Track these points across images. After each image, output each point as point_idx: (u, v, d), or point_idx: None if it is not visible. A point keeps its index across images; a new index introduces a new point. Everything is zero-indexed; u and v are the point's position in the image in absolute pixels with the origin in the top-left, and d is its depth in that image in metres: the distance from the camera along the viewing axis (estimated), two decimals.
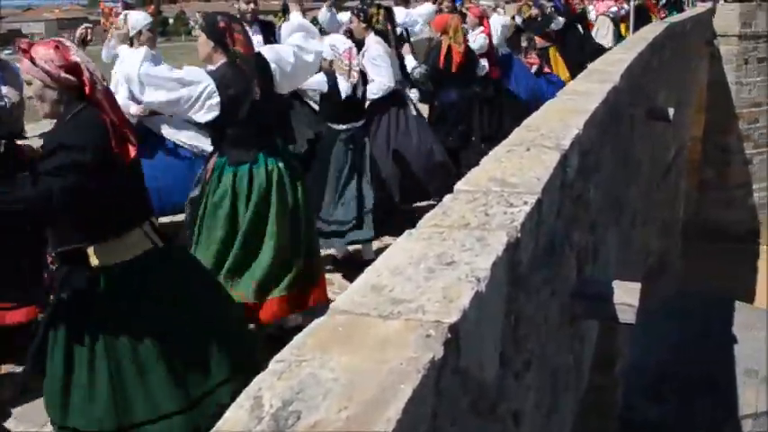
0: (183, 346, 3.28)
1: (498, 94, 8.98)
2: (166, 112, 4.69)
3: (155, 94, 4.22)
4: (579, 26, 13.95)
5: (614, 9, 16.52)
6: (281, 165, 4.51)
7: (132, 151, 3.11)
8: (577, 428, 4.65)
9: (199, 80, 4.24)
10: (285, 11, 8.04)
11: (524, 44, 11.19)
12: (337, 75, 5.85)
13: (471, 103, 8.10)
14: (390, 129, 6.88)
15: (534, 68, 11.17)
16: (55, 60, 3.03)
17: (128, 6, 7.20)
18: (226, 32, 4.37)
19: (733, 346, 13.64)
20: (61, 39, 3.22)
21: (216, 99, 4.24)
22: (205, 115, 4.27)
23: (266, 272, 4.43)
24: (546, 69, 11.44)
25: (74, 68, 3.05)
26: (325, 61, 5.86)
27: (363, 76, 6.30)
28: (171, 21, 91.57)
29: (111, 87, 4.17)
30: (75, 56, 3.06)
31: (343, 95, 5.94)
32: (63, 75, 3.04)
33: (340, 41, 5.99)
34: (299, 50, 4.69)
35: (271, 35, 7.01)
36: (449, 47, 7.75)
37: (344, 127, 6.02)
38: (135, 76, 4.22)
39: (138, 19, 6.13)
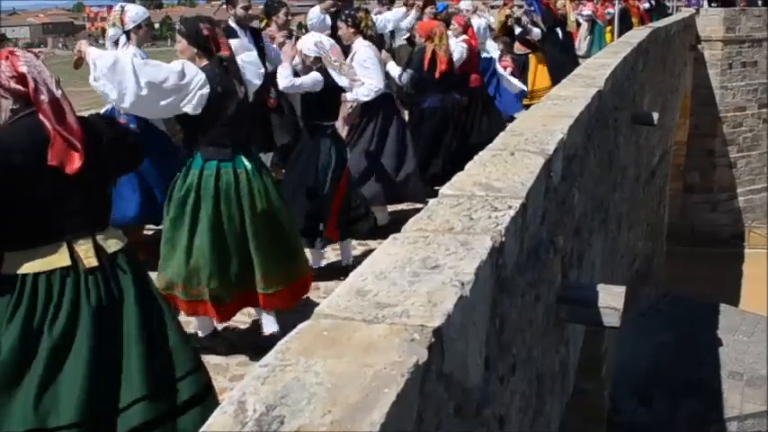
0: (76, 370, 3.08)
1: (478, 102, 9.02)
2: (158, 102, 4.53)
3: (152, 73, 4.21)
4: (559, 32, 14.01)
5: (587, 12, 16.62)
6: (251, 167, 4.56)
7: (77, 161, 3.04)
8: (564, 431, 4.67)
9: (192, 71, 4.28)
10: (268, 15, 8.05)
11: (500, 48, 11.22)
12: (330, 71, 5.87)
13: (451, 111, 8.12)
14: (374, 133, 6.91)
15: (507, 71, 11.22)
16: (5, 71, 3.09)
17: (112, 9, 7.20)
18: (210, 39, 4.44)
19: (718, 348, 13.72)
20: (14, 49, 3.25)
21: (207, 89, 4.27)
22: (195, 107, 4.28)
23: (236, 271, 4.47)
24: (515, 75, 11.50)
25: (22, 78, 3.09)
26: (309, 58, 5.87)
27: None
28: (157, 25, 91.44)
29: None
30: (24, 66, 3.10)
31: (349, 92, 6.12)
32: (13, 85, 3.09)
33: (325, 39, 6.03)
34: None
35: (259, 41, 7.03)
36: (433, 53, 7.76)
37: (329, 123, 6.05)
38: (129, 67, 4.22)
39: (138, 13, 6.13)
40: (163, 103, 4.25)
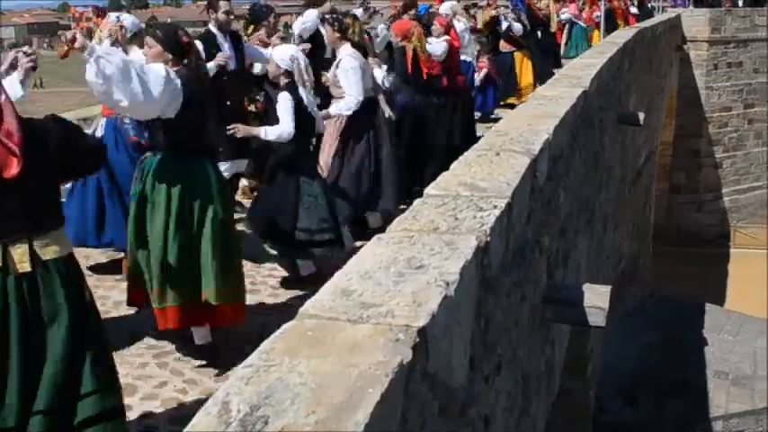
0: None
1: (460, 104, 9.04)
2: (151, 105, 4.50)
3: (151, 77, 4.20)
4: (539, 33, 14.10)
5: (566, 16, 16.70)
6: (214, 171, 4.57)
7: (15, 167, 3.03)
8: (549, 431, 4.68)
9: (173, 75, 4.27)
10: (256, 20, 7.98)
11: (477, 48, 11.25)
12: (300, 89, 5.69)
13: (431, 110, 8.10)
14: (369, 145, 6.81)
15: (483, 72, 11.26)
16: None
17: (99, 10, 7.16)
18: (187, 46, 4.48)
19: (704, 348, 13.79)
20: None
21: (183, 95, 4.26)
22: (174, 110, 4.27)
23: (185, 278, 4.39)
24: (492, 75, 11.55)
25: None
26: (279, 69, 5.64)
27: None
28: (143, 26, 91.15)
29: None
30: None
31: (310, 108, 5.81)
32: None
33: (301, 56, 5.80)
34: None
35: (239, 44, 7.01)
36: (415, 53, 7.73)
37: (305, 140, 5.92)
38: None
39: (135, 23, 6.28)
40: (153, 106, 4.24)
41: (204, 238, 4.36)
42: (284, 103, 5.48)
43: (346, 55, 6.51)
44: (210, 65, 6.31)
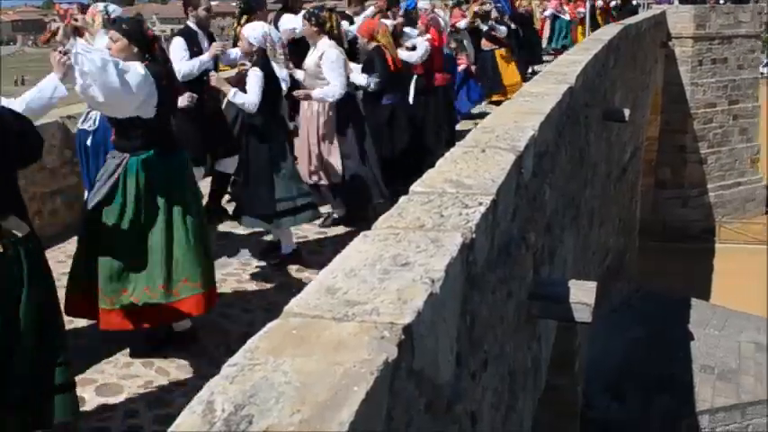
0: None
1: (441, 101, 9.06)
2: (129, 104, 4.50)
3: (131, 77, 4.21)
4: (521, 30, 14.16)
5: (549, 11, 16.85)
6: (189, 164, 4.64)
7: None
8: (536, 428, 4.69)
9: (148, 73, 4.27)
10: (249, 11, 7.92)
11: (453, 45, 11.26)
12: (274, 64, 5.78)
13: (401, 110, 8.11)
14: (353, 136, 6.84)
15: (461, 67, 11.28)
16: None
17: (84, 7, 7.10)
18: (153, 42, 4.49)
19: (689, 343, 13.86)
20: None
21: (157, 92, 4.28)
22: (152, 108, 4.28)
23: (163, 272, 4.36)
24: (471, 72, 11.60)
25: None
26: (252, 47, 5.72)
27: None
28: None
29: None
30: None
31: (285, 86, 5.92)
32: None
33: (274, 32, 5.91)
34: None
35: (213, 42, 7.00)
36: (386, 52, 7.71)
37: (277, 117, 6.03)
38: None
39: (119, 11, 6.22)
40: (130, 103, 4.21)
41: (187, 230, 4.37)
42: (254, 78, 5.63)
43: (329, 47, 6.53)
44: (204, 58, 6.33)
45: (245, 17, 7.80)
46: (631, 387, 12.31)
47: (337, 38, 6.73)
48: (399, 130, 7.56)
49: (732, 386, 12.73)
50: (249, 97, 5.59)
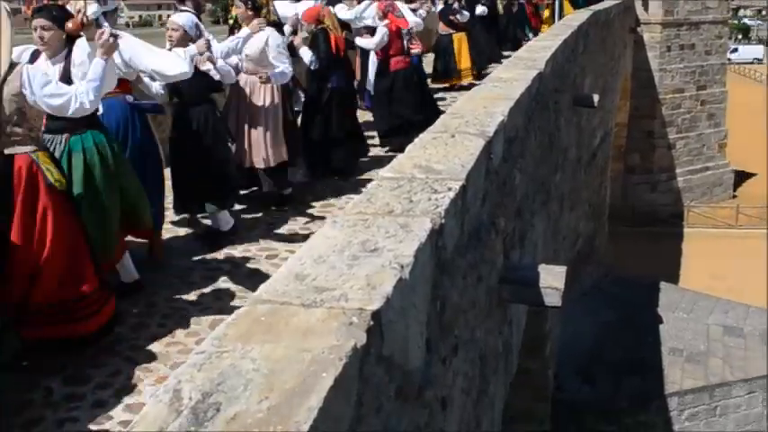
0: None
1: (402, 83, 9.13)
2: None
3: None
4: (486, 12, 14.28)
5: None
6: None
7: None
8: (508, 411, 4.71)
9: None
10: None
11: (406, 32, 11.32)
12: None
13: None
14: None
15: (416, 51, 11.30)
16: None
17: None
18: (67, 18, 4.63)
19: (658, 326, 14.01)
20: None
21: None
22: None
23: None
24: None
25: None
26: (186, 35, 5.94)
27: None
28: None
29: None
30: None
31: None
32: None
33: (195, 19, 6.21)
34: None
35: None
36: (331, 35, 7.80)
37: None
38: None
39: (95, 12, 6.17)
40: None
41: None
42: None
43: (272, 32, 6.73)
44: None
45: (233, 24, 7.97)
46: (602, 370, 12.43)
47: (276, 24, 6.93)
48: (339, 115, 7.72)
49: (700, 368, 12.89)
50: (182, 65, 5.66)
